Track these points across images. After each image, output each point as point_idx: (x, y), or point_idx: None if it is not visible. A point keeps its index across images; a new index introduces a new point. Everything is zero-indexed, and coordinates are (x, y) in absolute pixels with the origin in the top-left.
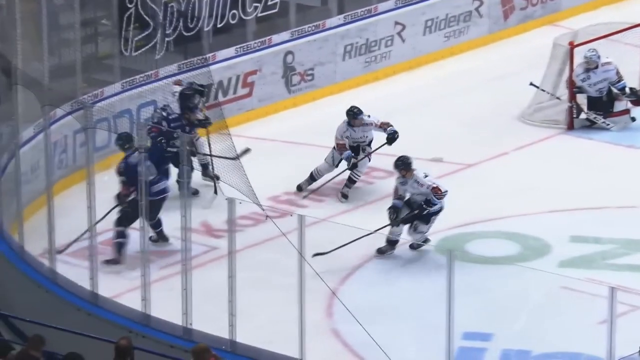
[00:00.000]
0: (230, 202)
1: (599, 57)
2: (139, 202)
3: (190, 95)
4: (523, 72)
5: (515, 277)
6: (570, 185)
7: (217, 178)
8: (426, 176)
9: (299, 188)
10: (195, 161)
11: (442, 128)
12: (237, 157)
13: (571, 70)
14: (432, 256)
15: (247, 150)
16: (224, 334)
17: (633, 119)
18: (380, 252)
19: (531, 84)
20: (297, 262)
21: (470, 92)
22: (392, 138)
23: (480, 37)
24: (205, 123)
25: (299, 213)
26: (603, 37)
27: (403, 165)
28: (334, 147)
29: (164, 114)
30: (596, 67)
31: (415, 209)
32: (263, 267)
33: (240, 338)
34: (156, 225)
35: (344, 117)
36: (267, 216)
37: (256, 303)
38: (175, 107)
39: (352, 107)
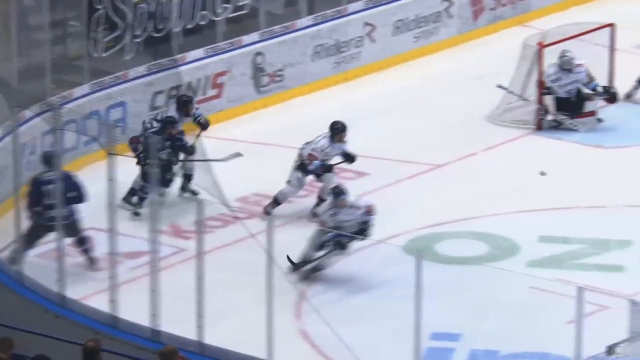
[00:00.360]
0: (199, 203)
1: (573, 58)
2: (37, 225)
3: (187, 102)
4: (493, 72)
5: (484, 277)
6: (538, 185)
7: (195, 194)
8: (357, 199)
9: (267, 212)
10: (177, 172)
11: (411, 129)
12: (226, 159)
13: (540, 70)
14: (401, 256)
15: (237, 154)
16: (192, 335)
17: (600, 120)
18: (295, 268)
19: (499, 86)
20: (266, 264)
21: (439, 92)
22: (352, 158)
23: (450, 37)
24: (189, 149)
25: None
26: (573, 38)
27: (344, 194)
28: (297, 167)
29: (148, 125)
30: (570, 69)
31: (356, 233)
32: (232, 269)
33: (209, 339)
34: (79, 243)
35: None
36: (236, 217)
37: (225, 304)
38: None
39: (338, 121)
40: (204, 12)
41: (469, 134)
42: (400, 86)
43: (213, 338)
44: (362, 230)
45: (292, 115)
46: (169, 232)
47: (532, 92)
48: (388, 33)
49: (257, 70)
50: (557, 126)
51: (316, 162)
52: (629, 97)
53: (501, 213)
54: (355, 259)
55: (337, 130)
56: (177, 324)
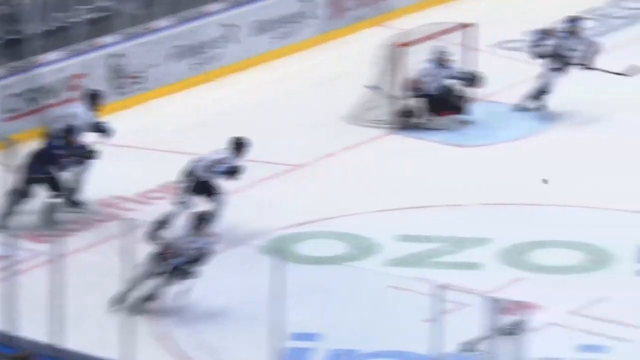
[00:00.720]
0: (57, 206)
1: (447, 53)
2: None
3: (96, 96)
4: (354, 72)
5: (344, 277)
6: (399, 185)
7: (81, 205)
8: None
9: (153, 237)
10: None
11: (271, 129)
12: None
13: (400, 70)
14: (261, 257)
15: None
16: (50, 339)
17: (465, 122)
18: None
19: (367, 86)
20: (125, 266)
21: (301, 93)
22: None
23: (310, 37)
24: (85, 153)
25: (127, 216)
26: (433, 37)
27: (212, 222)
28: (185, 188)
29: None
30: (444, 64)
31: (195, 260)
32: (90, 272)
33: (65, 344)
34: None
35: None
36: (95, 220)
37: (82, 308)
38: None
39: (243, 137)
40: (62, 14)
41: (329, 134)
42: (261, 86)
43: (69, 342)
44: (201, 257)
45: (153, 116)
46: (26, 236)
47: (394, 91)
48: (249, 33)
49: (117, 72)
50: (419, 125)
51: (224, 165)
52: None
53: (361, 212)
54: (216, 261)
55: (241, 146)
56: (33, 328)
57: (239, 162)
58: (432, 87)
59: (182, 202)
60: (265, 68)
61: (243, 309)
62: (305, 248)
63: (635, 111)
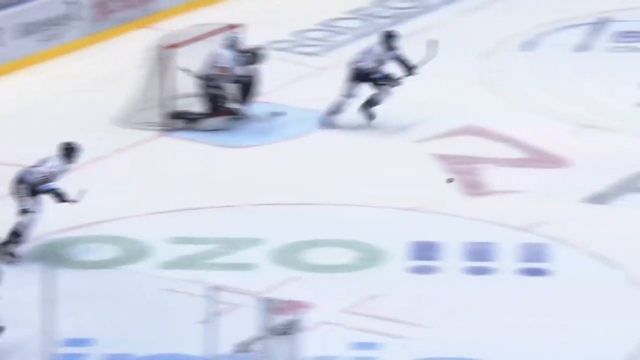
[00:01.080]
0: None
1: (240, 38)
2: None
3: None
4: (122, 75)
5: (117, 281)
6: (171, 187)
7: None
8: None
9: (11, 254)
10: None
11: (41, 133)
12: None
13: (169, 72)
14: (32, 262)
15: None
16: None
17: (243, 118)
18: None
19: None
20: None
21: (68, 95)
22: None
23: (77, 39)
24: None
25: None
26: (202, 38)
27: None
28: (22, 195)
29: None
30: (241, 49)
31: None
32: None
33: None
34: None
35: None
36: None
37: None
38: None
39: (73, 143)
40: None
41: (99, 137)
42: (27, 90)
43: None
44: None
45: None
46: None
47: (163, 93)
48: (13, 36)
49: None
50: (189, 127)
51: (46, 186)
52: (337, 112)
53: (133, 215)
54: None
55: (71, 151)
56: None
57: (61, 181)
58: (235, 71)
59: (24, 210)
60: (32, 71)
61: (13, 317)
62: (77, 252)
63: (407, 112)
